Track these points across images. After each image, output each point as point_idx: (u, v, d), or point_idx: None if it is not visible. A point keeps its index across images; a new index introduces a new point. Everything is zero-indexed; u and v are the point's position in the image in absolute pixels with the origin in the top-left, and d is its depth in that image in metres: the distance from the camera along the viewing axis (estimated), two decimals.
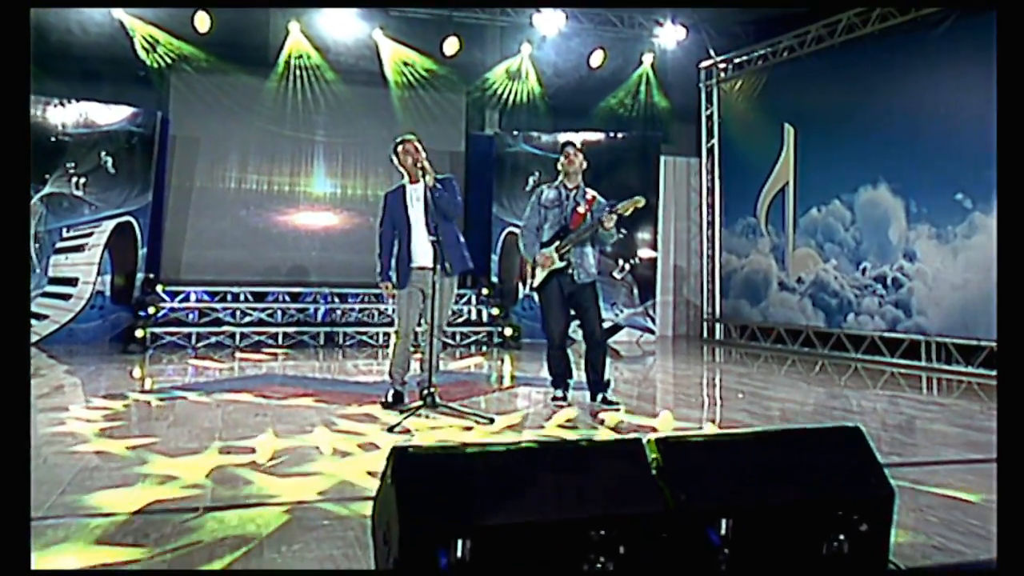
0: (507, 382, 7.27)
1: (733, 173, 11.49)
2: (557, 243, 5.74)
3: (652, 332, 11.52)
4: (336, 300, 10.85)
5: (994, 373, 7.71)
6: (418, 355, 5.83)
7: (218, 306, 10.22)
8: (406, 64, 11.29)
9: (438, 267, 5.32)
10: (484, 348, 10.37)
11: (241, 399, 5.86)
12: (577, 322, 5.88)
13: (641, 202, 5.63)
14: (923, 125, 8.58)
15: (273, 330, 10.08)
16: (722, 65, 11.80)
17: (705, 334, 12.08)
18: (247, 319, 10.19)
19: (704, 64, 12.04)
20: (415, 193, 5.56)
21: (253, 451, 4.18)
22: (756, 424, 5.24)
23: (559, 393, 5.92)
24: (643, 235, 11.51)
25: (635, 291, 11.48)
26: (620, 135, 11.46)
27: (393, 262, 5.58)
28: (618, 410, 5.63)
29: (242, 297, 10.45)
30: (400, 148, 5.54)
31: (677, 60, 11.82)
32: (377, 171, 11.98)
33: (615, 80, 11.88)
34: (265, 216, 11.48)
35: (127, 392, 6.08)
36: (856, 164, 9.36)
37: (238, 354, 9.09)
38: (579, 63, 11.51)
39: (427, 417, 5.10)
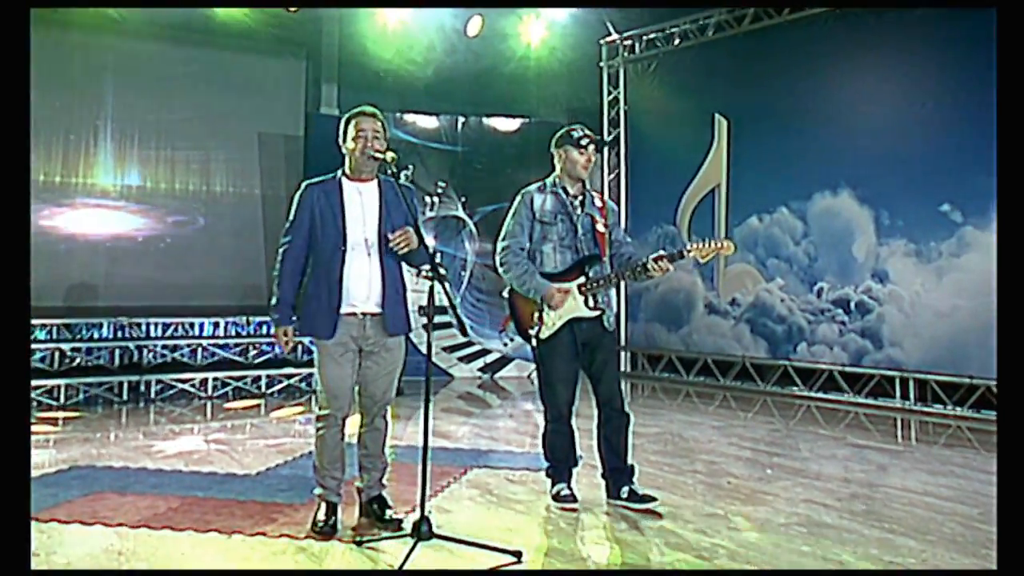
0: (448, 461, 5.60)
1: (645, 171, 10.42)
2: (582, 280, 4.30)
3: None
4: (135, 332, 8.59)
5: (992, 416, 7.17)
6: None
7: None
8: (232, 18, 9.26)
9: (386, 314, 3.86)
10: None
11: (69, 533, 3.82)
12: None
13: (731, 249, 4.26)
14: (898, 121, 7.93)
15: (49, 382, 7.68)
16: (629, 43, 10.72)
17: None
18: None
19: (606, 40, 10.89)
20: (360, 196, 3.89)
21: None
22: (850, 521, 4.05)
23: (565, 490, 4.44)
24: None
25: None
26: (517, 122, 10.05)
27: (310, 301, 3.88)
28: (661, 515, 4.23)
29: None
30: (352, 125, 3.85)
31: (571, 34, 10.65)
32: (188, 159, 9.83)
33: (499, 54, 10.54)
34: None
35: None
36: (810, 165, 8.58)
37: None
38: (454, 30, 10.08)
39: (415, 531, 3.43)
